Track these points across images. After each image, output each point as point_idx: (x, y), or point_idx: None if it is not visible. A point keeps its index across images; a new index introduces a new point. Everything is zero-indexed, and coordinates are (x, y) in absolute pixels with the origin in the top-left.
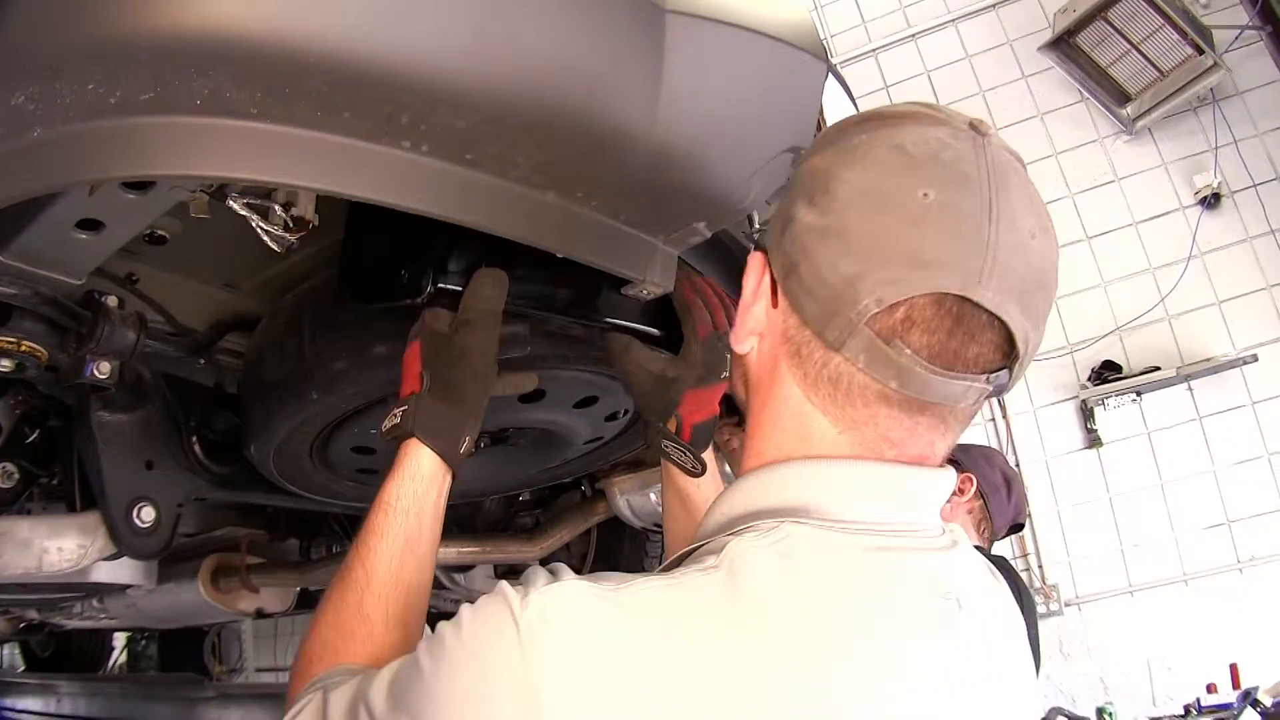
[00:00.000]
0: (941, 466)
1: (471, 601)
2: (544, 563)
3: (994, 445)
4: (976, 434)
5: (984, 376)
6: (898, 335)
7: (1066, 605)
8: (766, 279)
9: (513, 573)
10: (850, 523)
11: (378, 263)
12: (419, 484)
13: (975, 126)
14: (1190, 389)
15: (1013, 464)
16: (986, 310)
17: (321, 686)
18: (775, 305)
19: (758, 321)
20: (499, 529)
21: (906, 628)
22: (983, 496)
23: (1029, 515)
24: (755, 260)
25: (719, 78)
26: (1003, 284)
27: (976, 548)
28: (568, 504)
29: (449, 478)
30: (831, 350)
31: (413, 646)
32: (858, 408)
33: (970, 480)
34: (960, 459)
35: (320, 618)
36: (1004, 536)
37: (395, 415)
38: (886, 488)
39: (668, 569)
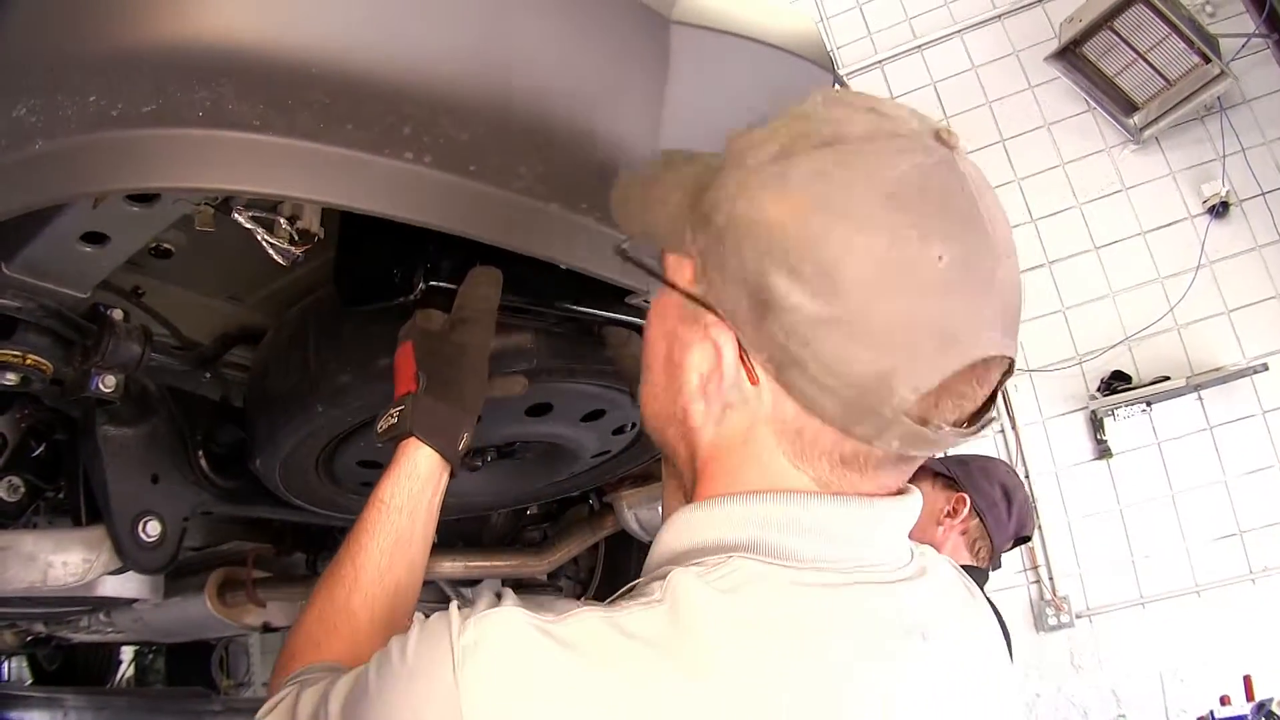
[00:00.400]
0: (903, 491)
1: None
2: (552, 577)
3: (1003, 457)
4: (986, 446)
5: (991, 412)
6: (932, 414)
7: (1077, 617)
8: (737, 355)
9: (520, 587)
10: (804, 560)
11: (370, 265)
12: (415, 483)
13: (943, 139)
14: (1200, 399)
15: (1022, 475)
16: (1000, 355)
17: (299, 682)
18: (755, 383)
19: (730, 397)
20: (506, 543)
21: (867, 662)
22: (979, 514)
23: (1038, 526)
24: (726, 338)
25: (724, 88)
26: (1010, 324)
27: (970, 568)
28: (575, 518)
29: (446, 476)
30: (859, 441)
31: None
32: (866, 473)
33: (964, 501)
34: (957, 474)
35: (307, 612)
36: (1011, 548)
37: (392, 416)
38: (846, 525)
39: (614, 600)
